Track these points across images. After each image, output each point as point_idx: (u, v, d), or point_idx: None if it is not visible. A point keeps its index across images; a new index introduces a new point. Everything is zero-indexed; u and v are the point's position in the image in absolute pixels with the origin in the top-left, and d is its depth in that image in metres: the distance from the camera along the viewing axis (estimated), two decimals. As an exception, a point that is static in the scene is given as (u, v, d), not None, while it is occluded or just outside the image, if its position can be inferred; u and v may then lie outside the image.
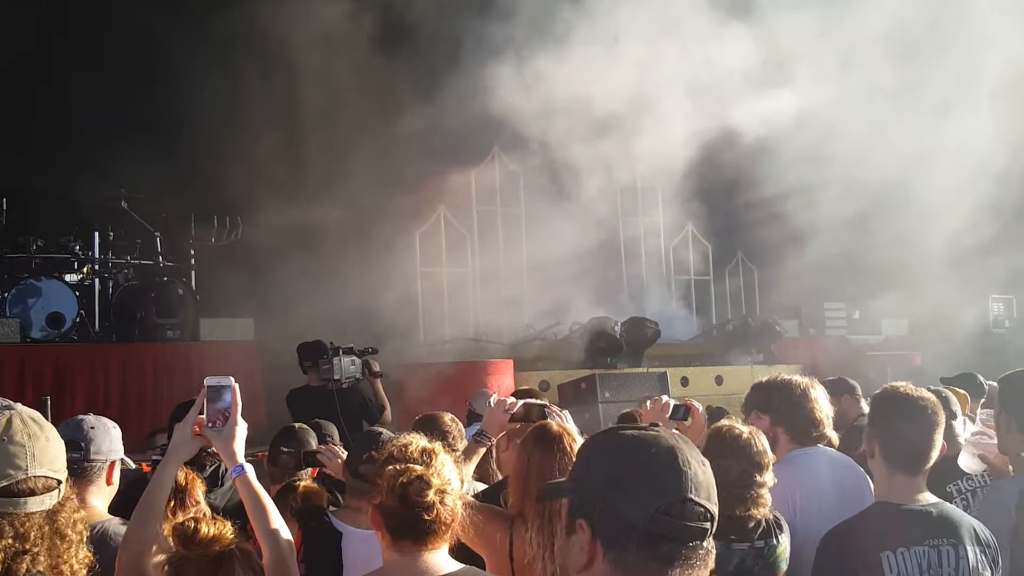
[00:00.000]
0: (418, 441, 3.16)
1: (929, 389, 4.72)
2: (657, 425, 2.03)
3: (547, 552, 3.67)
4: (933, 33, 13.86)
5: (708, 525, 1.89)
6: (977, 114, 14.13)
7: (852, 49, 14.55)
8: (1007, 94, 14.28)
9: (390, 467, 3.05)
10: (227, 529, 3.12)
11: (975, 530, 3.56)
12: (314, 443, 5.44)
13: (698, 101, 14.10)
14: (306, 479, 4.91)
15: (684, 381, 13.60)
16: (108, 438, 4.01)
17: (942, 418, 3.70)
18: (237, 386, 3.34)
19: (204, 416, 3.29)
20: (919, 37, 14.15)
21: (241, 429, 3.33)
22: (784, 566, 3.92)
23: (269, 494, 3.80)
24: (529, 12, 14.44)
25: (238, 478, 3.33)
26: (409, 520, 2.98)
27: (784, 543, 3.95)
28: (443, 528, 3.01)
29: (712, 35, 14.00)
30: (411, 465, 3.02)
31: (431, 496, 2.97)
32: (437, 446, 3.15)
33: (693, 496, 1.87)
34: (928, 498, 3.63)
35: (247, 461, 3.35)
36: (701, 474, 1.90)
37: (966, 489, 4.61)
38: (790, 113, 13.80)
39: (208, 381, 3.32)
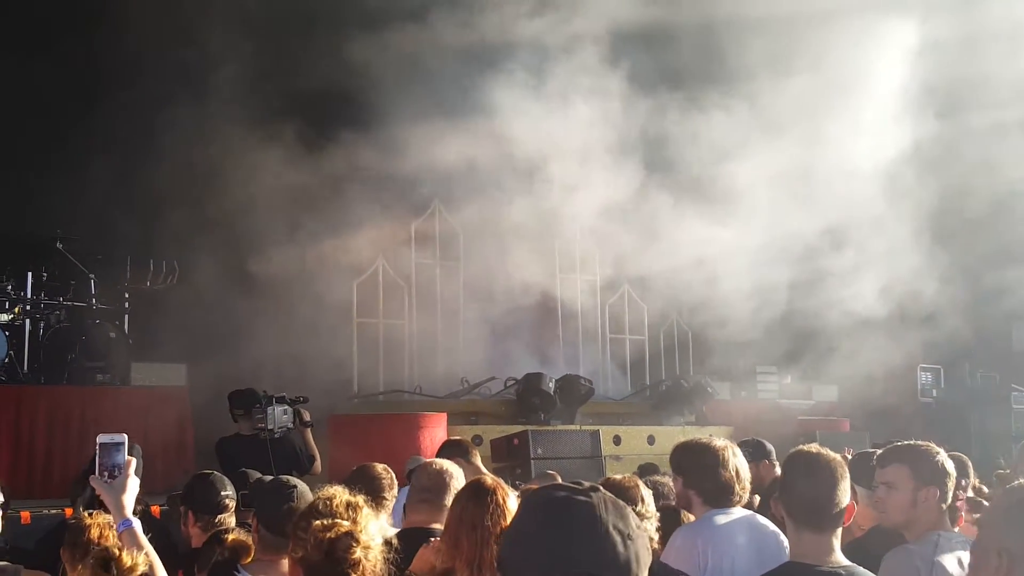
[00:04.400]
0: (342, 494, 3.15)
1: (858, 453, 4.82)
2: (598, 489, 1.95)
3: None
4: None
5: None
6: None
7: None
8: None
9: (316, 521, 3.04)
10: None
11: (886, 594, 3.61)
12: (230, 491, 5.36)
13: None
14: (236, 530, 4.85)
15: (616, 440, 13.65)
16: None
17: (844, 474, 3.71)
18: (128, 443, 3.39)
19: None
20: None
21: (132, 484, 3.37)
22: None
23: (197, 543, 3.75)
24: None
25: (125, 532, 3.34)
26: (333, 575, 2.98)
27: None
28: None
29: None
30: (338, 521, 3.02)
31: (358, 553, 2.98)
32: (360, 499, 3.15)
33: (593, 570, 1.82)
34: (839, 560, 3.61)
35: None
36: (620, 547, 1.84)
37: None
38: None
39: (100, 438, 3.39)
